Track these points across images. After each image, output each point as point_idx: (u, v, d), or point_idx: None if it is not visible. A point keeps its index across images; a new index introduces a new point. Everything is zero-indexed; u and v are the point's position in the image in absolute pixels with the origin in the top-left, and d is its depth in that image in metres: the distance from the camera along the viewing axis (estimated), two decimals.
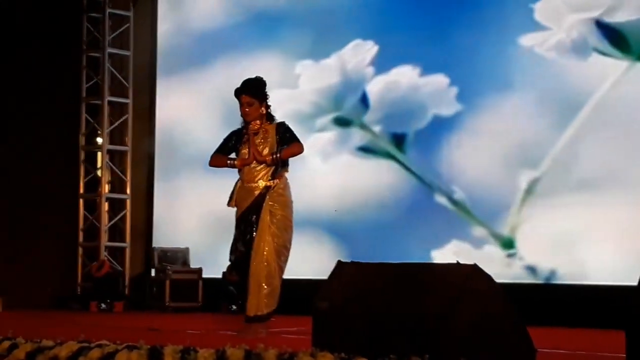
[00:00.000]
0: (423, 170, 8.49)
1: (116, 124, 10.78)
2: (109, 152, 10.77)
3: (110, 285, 9.78)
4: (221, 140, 6.16)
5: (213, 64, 9.78)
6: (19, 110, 10.41)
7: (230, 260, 6.00)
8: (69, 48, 10.70)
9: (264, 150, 5.93)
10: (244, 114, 5.98)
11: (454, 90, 8.35)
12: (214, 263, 9.11)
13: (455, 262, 3.58)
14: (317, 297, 3.75)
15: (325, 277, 3.85)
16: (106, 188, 10.71)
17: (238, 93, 6.01)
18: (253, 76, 6.10)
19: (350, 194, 8.86)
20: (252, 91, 5.95)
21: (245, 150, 5.97)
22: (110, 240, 10.66)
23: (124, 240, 10.65)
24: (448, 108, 8.35)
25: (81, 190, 10.75)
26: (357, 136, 8.89)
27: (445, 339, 3.34)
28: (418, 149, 8.54)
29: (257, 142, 5.95)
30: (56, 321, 7.34)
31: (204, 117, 9.86)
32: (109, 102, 10.74)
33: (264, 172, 5.91)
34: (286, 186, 5.97)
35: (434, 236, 8.28)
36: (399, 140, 8.63)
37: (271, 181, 5.90)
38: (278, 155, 5.87)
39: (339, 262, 3.83)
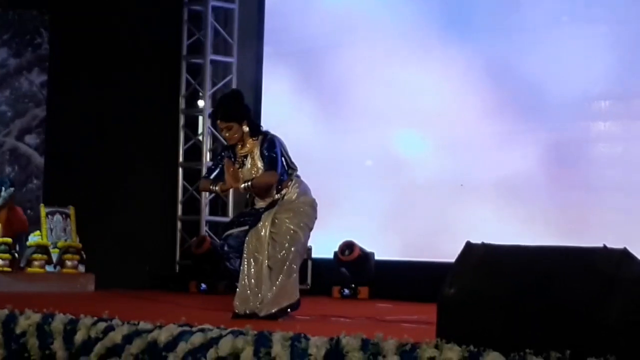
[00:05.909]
0: None
1: (219, 85, 10.81)
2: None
3: (211, 264, 9.73)
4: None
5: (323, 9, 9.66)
6: (112, 69, 10.51)
7: None
8: (168, 0, 10.72)
9: (252, 169, 6.10)
10: (225, 139, 6.18)
11: None
12: (325, 241, 9.11)
13: (602, 245, 3.48)
14: (442, 283, 3.71)
15: (451, 259, 3.81)
16: (208, 156, 10.73)
17: (213, 118, 6.35)
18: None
19: None
20: (227, 115, 6.03)
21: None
22: (211, 214, 10.74)
23: (226, 215, 10.66)
24: None
25: (180, 159, 10.83)
26: None
27: (591, 333, 3.27)
28: None
29: (243, 161, 6.12)
30: (153, 302, 7.51)
31: (313, 75, 9.77)
32: (212, 61, 10.77)
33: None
34: (296, 192, 6.18)
35: None
36: None
37: (277, 195, 6.12)
38: (249, 185, 6.07)
39: (468, 243, 3.78)
